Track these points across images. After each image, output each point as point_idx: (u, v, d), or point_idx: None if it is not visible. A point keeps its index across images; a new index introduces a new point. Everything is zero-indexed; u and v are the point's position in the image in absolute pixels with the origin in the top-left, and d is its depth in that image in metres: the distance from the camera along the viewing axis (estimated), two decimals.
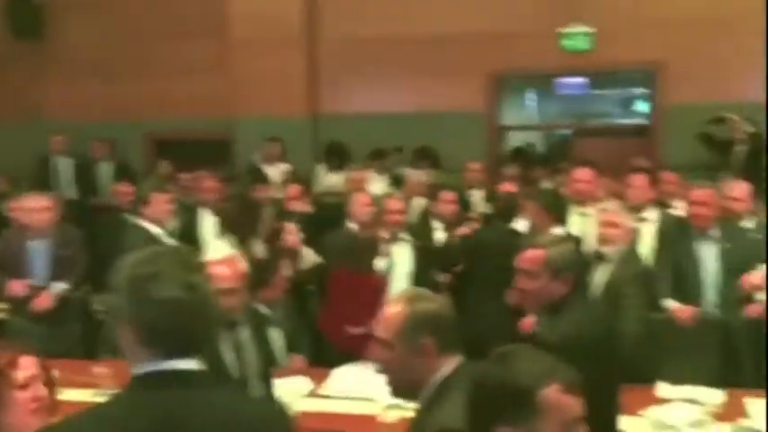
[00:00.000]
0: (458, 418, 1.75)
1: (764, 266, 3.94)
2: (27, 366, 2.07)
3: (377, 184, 7.03)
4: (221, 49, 7.78)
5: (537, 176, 7.21)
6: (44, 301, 4.59)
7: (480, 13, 7.37)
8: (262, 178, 6.22)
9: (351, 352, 3.97)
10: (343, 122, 7.64)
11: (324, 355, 4.19)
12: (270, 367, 3.00)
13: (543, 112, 11.05)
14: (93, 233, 5.99)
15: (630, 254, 4.01)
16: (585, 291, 3.70)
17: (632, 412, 3.19)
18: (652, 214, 4.75)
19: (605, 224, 4.05)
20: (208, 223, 5.30)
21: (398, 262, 4.52)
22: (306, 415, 3.32)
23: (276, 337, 4.09)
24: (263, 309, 4.02)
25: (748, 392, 3.53)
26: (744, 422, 3.13)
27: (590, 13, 7.11)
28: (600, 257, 4.02)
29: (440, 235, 5.10)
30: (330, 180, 7.27)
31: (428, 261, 4.65)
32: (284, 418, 1.64)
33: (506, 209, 4.83)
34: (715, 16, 6.70)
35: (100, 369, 3.54)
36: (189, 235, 5.15)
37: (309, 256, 4.88)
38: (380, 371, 1.94)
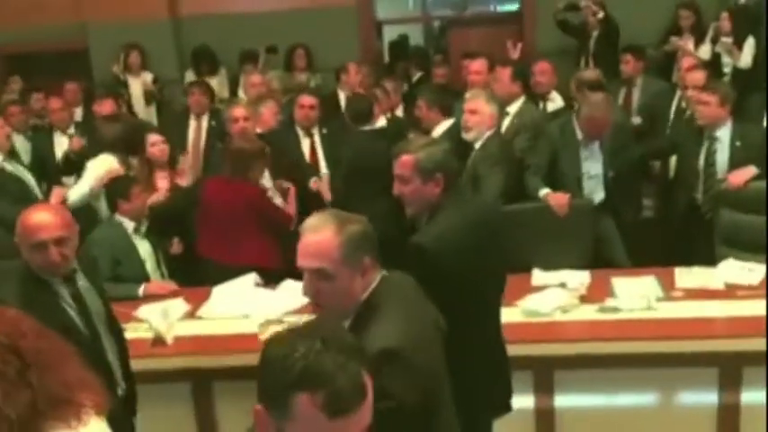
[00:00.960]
0: (396, 336, 1.79)
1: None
2: None
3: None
4: None
5: (412, 71, 7.13)
6: None
7: None
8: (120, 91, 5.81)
9: (228, 267, 3.87)
10: (208, 24, 7.15)
11: (201, 273, 4.03)
12: (112, 314, 2.79)
13: (416, 4, 10.79)
14: None
15: (490, 139, 4.05)
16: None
17: (508, 303, 3.28)
18: (513, 107, 4.73)
19: (466, 111, 4.10)
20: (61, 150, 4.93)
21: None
22: (181, 339, 3.22)
23: (146, 251, 3.91)
24: (129, 224, 3.83)
25: (615, 272, 3.71)
26: (609, 302, 3.27)
27: None
28: (467, 146, 4.08)
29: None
30: None
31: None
32: None
33: (359, 111, 4.65)
34: None
35: None
36: (41, 161, 4.77)
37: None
38: (319, 301, 1.88)
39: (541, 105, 5.13)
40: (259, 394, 1.31)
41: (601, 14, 6.18)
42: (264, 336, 3.16)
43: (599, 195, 4.33)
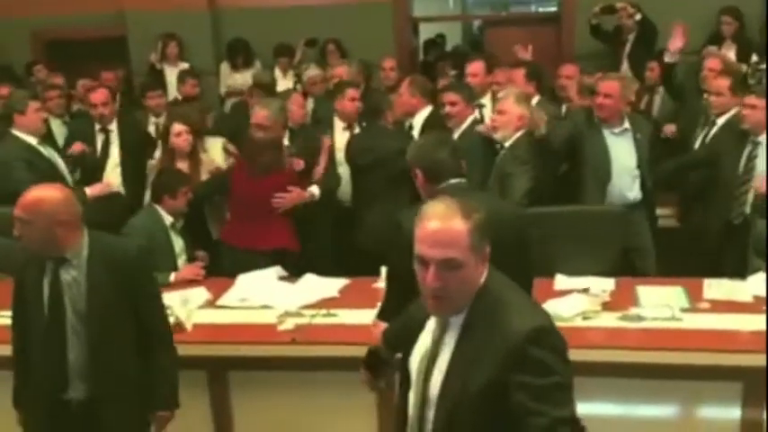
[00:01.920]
0: (540, 314, 1.81)
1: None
2: None
3: (282, 82, 6.78)
4: None
5: (448, 69, 7.08)
6: None
7: None
8: (154, 82, 5.86)
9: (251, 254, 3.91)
10: (245, 17, 7.18)
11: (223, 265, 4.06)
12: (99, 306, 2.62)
13: (456, 3, 10.76)
14: None
15: (520, 139, 4.00)
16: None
17: None
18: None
19: (495, 111, 4.10)
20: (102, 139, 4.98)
21: None
22: (200, 327, 3.25)
23: (180, 247, 3.99)
24: (167, 218, 3.92)
25: (640, 280, 3.64)
26: (633, 310, 3.21)
27: None
28: (499, 145, 4.09)
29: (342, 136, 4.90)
30: (234, 80, 6.95)
31: None
32: None
33: (369, 107, 4.70)
34: None
35: None
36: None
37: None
38: (443, 293, 1.76)
39: (564, 109, 5.07)
40: None
41: (638, 16, 6.05)
42: (282, 327, 3.17)
43: (633, 192, 4.28)
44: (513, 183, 3.80)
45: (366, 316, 3.02)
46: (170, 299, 3.39)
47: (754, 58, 5.76)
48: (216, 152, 4.74)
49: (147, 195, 4.43)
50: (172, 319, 3.20)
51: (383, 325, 2.46)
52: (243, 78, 6.83)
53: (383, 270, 3.14)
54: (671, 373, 2.92)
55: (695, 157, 4.61)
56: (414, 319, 1.98)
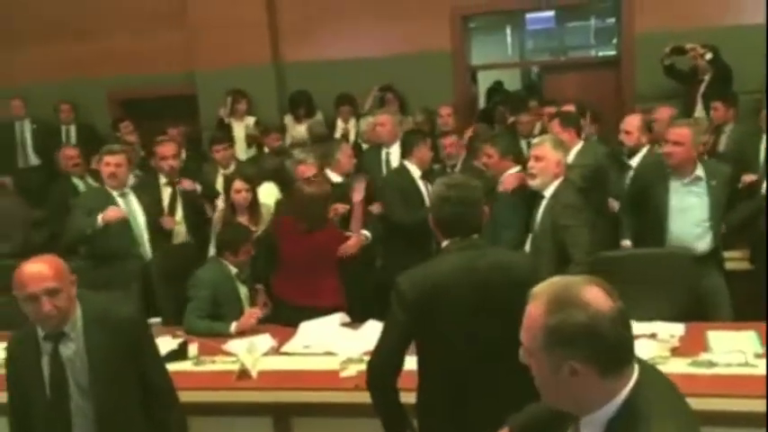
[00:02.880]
0: None
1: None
2: None
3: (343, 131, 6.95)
4: (179, 2, 7.53)
5: (507, 116, 7.12)
6: None
7: None
8: (221, 136, 6.09)
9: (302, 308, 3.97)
10: (308, 69, 7.43)
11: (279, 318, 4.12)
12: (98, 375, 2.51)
13: (514, 50, 10.85)
14: (54, 198, 5.89)
15: (562, 187, 3.89)
16: None
17: None
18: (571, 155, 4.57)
19: (531, 157, 3.98)
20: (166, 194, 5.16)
21: None
22: (265, 373, 3.30)
23: (244, 295, 4.09)
24: (233, 269, 4.04)
25: (711, 325, 3.53)
26: (703, 356, 3.11)
27: None
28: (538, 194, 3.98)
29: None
30: (298, 131, 7.15)
31: None
32: None
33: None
34: None
35: None
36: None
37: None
38: None
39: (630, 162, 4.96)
40: None
41: (709, 56, 5.98)
42: (344, 374, 3.20)
43: (704, 243, 4.10)
44: (575, 234, 3.69)
45: None
46: (236, 346, 3.48)
47: None
48: (268, 197, 4.96)
49: (212, 246, 4.58)
50: (237, 366, 3.28)
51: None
52: (305, 129, 7.02)
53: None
54: (744, 421, 2.80)
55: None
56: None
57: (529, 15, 8.88)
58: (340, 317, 3.88)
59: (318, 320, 3.81)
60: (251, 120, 7.19)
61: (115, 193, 4.69)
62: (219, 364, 3.43)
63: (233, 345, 3.55)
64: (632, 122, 4.87)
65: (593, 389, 1.49)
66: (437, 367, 2.45)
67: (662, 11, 6.57)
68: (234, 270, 4.09)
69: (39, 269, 2.39)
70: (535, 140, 4.18)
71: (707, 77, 6.09)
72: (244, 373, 3.26)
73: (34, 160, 7.70)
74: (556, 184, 3.89)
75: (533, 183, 3.95)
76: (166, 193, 5.14)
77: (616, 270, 3.85)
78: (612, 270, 3.83)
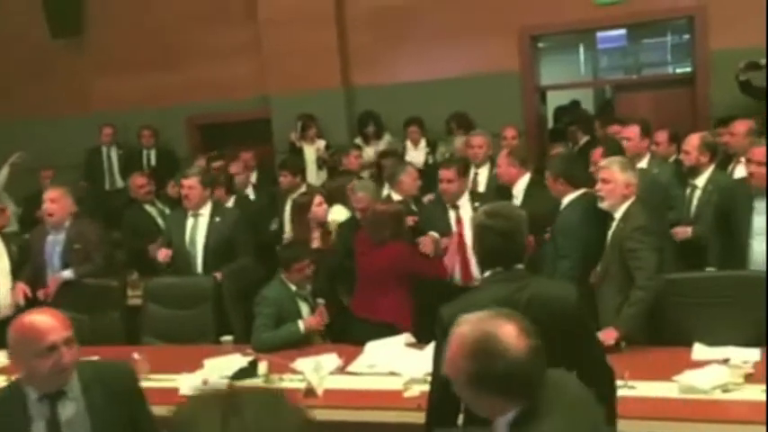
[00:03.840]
0: None
1: None
2: None
3: (412, 153, 7.01)
4: (253, 30, 7.80)
5: (579, 135, 7.05)
6: (48, 290, 4.71)
7: None
8: (287, 162, 6.24)
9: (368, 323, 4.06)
10: (377, 92, 7.55)
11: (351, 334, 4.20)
12: None
13: (587, 68, 10.71)
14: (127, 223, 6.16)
15: (633, 208, 3.81)
16: None
17: (665, 377, 3.12)
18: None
19: (599, 180, 3.92)
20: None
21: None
22: (331, 392, 3.37)
23: (306, 312, 4.18)
24: (293, 287, 4.14)
25: None
26: None
27: None
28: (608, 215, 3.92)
29: None
30: (366, 153, 7.25)
31: None
32: None
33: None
34: None
35: (137, 355, 3.68)
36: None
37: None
38: None
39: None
40: None
41: None
42: (407, 394, 3.23)
43: None
44: (640, 258, 3.61)
45: None
46: (303, 365, 3.56)
47: None
48: (339, 214, 5.09)
49: None
50: (304, 385, 3.36)
51: None
52: (373, 150, 7.13)
53: None
54: None
55: None
56: None
57: (600, 34, 8.76)
58: (405, 337, 3.92)
59: (384, 340, 3.86)
60: (321, 143, 7.35)
61: (189, 213, 4.90)
62: (287, 382, 3.51)
63: (300, 363, 3.63)
64: (691, 142, 4.81)
65: (507, 407, 1.75)
66: None
67: (737, 26, 6.40)
68: (293, 287, 4.17)
69: (50, 319, 2.23)
70: (602, 163, 4.10)
71: None
72: (310, 392, 3.34)
73: (120, 183, 8.09)
74: (626, 205, 3.83)
75: (603, 205, 3.91)
76: None
77: (688, 293, 3.78)
78: (685, 293, 3.76)
